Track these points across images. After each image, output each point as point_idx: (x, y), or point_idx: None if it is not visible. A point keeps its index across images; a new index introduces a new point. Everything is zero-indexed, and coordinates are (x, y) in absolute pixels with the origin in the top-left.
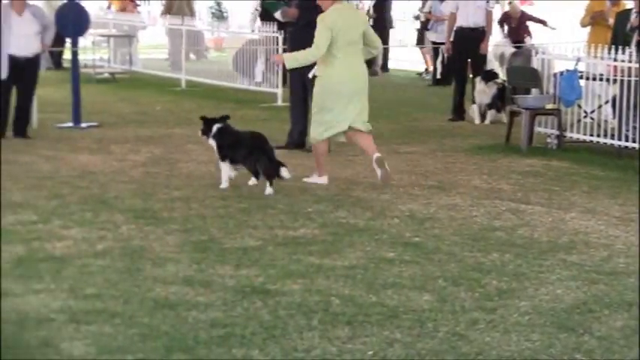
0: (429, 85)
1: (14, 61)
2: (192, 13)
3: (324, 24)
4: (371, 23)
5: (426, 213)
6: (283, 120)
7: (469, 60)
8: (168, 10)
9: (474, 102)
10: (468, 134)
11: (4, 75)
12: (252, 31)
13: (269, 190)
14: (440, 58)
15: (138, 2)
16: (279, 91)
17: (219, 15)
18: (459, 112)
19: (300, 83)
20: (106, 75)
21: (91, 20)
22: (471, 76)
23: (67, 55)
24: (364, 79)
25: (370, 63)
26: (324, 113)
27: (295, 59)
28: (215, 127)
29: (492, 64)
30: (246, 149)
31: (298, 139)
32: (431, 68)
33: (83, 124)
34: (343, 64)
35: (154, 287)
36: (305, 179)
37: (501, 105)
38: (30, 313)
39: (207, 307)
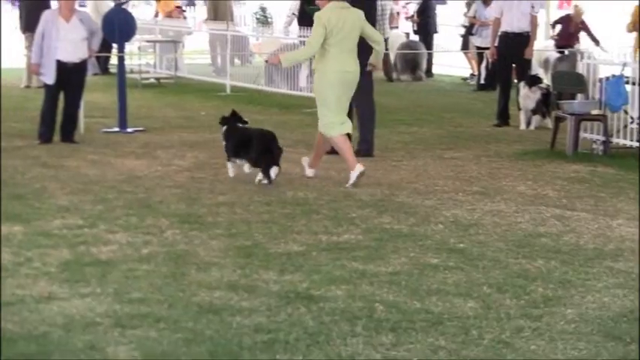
0: (473, 90)
1: (61, 66)
2: (232, 18)
3: (318, 21)
4: (415, 28)
5: (471, 219)
6: None
7: (514, 65)
8: (213, 16)
9: (519, 108)
10: (512, 140)
11: (52, 80)
12: (287, 34)
13: (259, 176)
14: (484, 63)
15: (184, 8)
16: None
17: (264, 20)
18: (503, 117)
19: None
20: (152, 80)
21: (137, 26)
22: (515, 81)
23: (113, 60)
24: (354, 77)
25: (414, 68)
26: (330, 107)
27: (290, 59)
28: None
29: (537, 69)
30: (252, 145)
31: None
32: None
33: (129, 129)
34: (336, 58)
35: (198, 292)
36: (347, 185)
37: (546, 110)
38: (76, 316)
39: (252, 313)
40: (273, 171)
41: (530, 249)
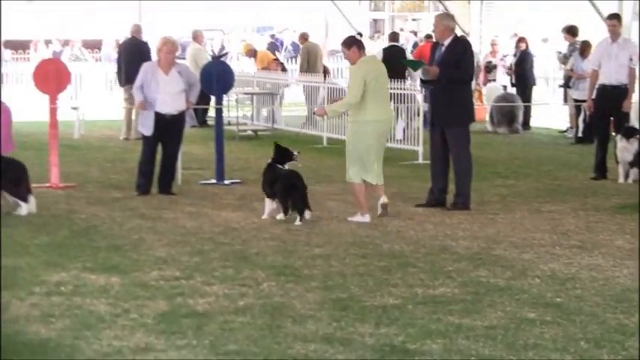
0: (571, 144)
1: (160, 118)
2: (327, 71)
3: (358, 75)
4: (512, 80)
5: (568, 273)
6: (423, 178)
7: (611, 118)
8: (305, 69)
9: (616, 160)
10: (610, 193)
11: (150, 132)
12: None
13: (297, 222)
14: (582, 116)
15: (281, 60)
16: (420, 148)
17: None
18: (601, 170)
19: (440, 140)
20: (249, 132)
21: (235, 78)
22: (613, 134)
23: (211, 112)
24: (388, 125)
25: (511, 121)
26: (357, 154)
27: (334, 110)
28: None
29: (635, 122)
30: (282, 185)
31: (439, 197)
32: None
33: (226, 181)
34: (372, 109)
35: (294, 345)
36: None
37: None
38: None
39: None
40: (307, 214)
41: (628, 304)
